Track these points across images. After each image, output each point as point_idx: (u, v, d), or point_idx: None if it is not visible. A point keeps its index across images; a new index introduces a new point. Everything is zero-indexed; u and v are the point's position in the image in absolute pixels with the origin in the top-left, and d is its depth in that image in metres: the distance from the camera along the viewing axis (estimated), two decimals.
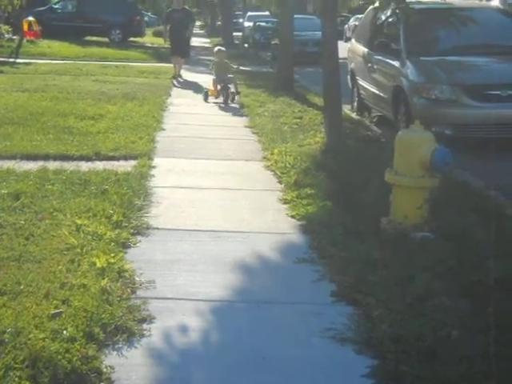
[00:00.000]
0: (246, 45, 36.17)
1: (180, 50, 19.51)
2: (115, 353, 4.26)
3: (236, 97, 15.14)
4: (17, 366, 3.86)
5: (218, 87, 15.15)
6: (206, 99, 15.11)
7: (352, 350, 4.42)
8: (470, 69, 11.09)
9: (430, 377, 3.99)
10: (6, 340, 4.10)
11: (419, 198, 6.34)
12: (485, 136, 10.32)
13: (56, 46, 27.46)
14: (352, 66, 14.60)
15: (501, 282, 5.22)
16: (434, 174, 6.36)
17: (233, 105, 14.87)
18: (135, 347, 4.36)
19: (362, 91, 13.74)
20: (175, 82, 18.67)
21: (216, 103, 14.82)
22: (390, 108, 11.80)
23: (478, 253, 5.81)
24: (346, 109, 13.48)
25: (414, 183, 6.32)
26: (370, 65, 13.00)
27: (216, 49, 16.75)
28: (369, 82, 13.07)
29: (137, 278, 5.31)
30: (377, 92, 12.51)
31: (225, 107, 14.56)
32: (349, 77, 14.68)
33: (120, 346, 4.34)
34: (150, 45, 33.85)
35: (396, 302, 4.91)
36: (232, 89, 15.23)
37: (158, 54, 26.56)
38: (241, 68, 21.61)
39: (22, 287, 4.89)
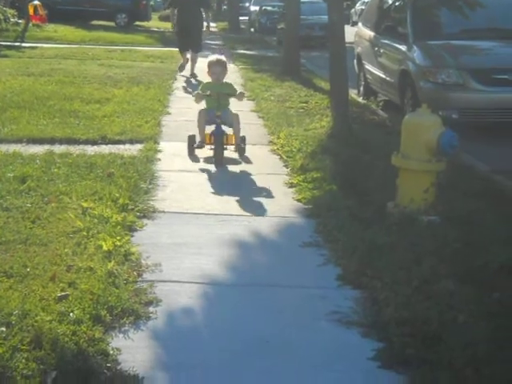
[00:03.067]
0: (252, 29, 36.11)
1: (191, 43, 15.92)
2: (121, 335, 4.27)
3: (241, 147, 8.79)
4: (23, 347, 3.86)
5: (207, 130, 8.65)
6: (190, 152, 8.76)
7: (358, 334, 4.42)
8: (477, 53, 11.07)
9: (436, 361, 3.98)
10: (13, 322, 4.11)
11: (426, 182, 6.33)
12: (492, 120, 10.30)
13: (62, 30, 27.46)
14: (358, 50, 14.57)
15: (507, 266, 5.21)
16: (440, 158, 6.35)
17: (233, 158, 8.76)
18: (141, 330, 4.36)
19: (368, 75, 13.70)
20: (182, 74, 16.23)
21: (205, 157, 8.61)
22: (396, 92, 11.77)
23: (484, 237, 5.80)
24: (353, 93, 13.45)
25: (421, 167, 6.31)
26: (376, 49, 12.96)
27: (211, 59, 8.96)
28: (375, 66, 13.03)
29: (143, 261, 5.31)
30: (383, 76, 12.47)
31: None
32: (355, 61, 14.64)
33: (126, 328, 4.35)
34: (155, 29, 33.83)
35: (402, 286, 4.90)
36: (234, 134, 8.70)
37: (163, 39, 26.52)
38: (247, 52, 21.54)
39: (28, 270, 4.90)
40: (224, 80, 9.00)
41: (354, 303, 4.79)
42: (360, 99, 13.71)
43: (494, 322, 4.41)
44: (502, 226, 6.08)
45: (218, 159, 8.29)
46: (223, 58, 9.16)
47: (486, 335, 4.22)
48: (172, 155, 8.69)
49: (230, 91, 8.83)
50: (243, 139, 8.87)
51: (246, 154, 8.81)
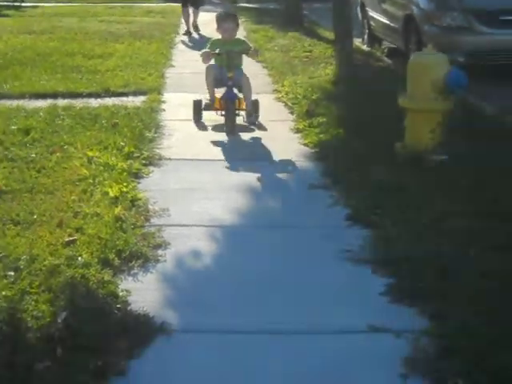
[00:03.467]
0: None
1: None
2: (131, 278, 4.24)
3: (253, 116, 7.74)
4: (32, 290, 3.84)
5: (217, 94, 7.67)
6: (196, 118, 7.85)
7: (368, 270, 4.38)
8: None
9: (446, 293, 3.95)
10: (21, 266, 4.09)
11: (433, 122, 6.24)
12: (498, 62, 10.16)
13: None
14: None
15: None
16: (447, 97, 6.25)
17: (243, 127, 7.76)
18: (150, 272, 4.34)
19: (372, 22, 13.52)
20: (187, 39, 15.02)
21: (214, 125, 7.70)
22: (400, 38, 11.61)
23: (493, 175, 5.75)
24: (357, 42, 13.27)
25: (428, 106, 6.23)
26: None
27: (220, 13, 8.13)
28: (379, 12, 12.85)
29: (150, 207, 5.27)
30: (387, 22, 12.30)
31: None
32: (358, 8, 14.42)
33: (135, 271, 4.32)
34: None
35: (412, 224, 4.86)
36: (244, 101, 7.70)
37: None
38: (248, 5, 21.29)
39: (35, 217, 4.87)
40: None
41: (364, 241, 4.74)
42: (364, 47, 13.55)
43: (504, 255, 4.36)
44: (508, 162, 6.01)
45: (230, 127, 7.37)
46: (233, 12, 8.38)
47: (498, 267, 4.18)
48: (177, 105, 8.61)
49: (242, 48, 7.80)
50: (256, 105, 7.79)
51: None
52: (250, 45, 8.16)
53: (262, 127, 7.71)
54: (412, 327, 3.69)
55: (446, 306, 3.81)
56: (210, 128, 7.57)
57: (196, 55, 9.13)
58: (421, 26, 10.62)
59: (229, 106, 7.40)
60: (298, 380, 3.31)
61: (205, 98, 7.79)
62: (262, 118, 7.87)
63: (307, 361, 3.46)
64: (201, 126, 7.65)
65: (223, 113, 7.51)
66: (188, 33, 15.39)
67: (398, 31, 11.69)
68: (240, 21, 8.13)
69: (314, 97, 8.62)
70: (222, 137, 7.33)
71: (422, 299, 3.95)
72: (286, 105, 8.53)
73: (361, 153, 6.34)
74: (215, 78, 7.60)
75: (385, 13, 12.47)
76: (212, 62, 7.76)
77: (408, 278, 4.16)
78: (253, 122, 7.66)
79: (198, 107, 7.82)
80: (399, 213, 5.03)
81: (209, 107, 7.68)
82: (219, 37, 7.89)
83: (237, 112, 7.51)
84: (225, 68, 7.53)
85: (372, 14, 13.41)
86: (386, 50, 12.65)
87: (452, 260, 4.31)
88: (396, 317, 3.83)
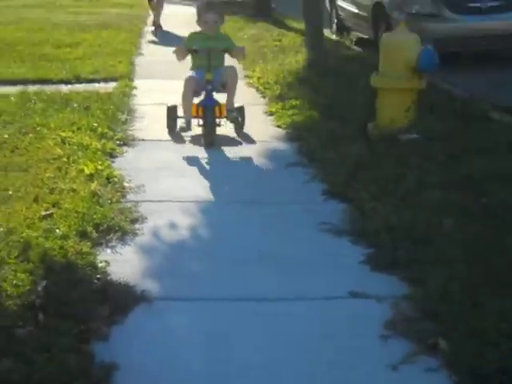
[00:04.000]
0: None
1: None
2: (109, 250, 4.22)
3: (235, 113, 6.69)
4: (11, 261, 3.80)
5: (195, 100, 6.62)
6: (171, 127, 6.79)
7: (348, 242, 4.41)
8: None
9: (425, 259, 3.98)
10: None
11: (406, 101, 6.29)
12: (466, 49, 10.26)
13: None
14: None
15: (490, 175, 5.22)
16: (420, 76, 6.30)
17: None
18: (129, 245, 4.32)
19: (340, 12, 13.56)
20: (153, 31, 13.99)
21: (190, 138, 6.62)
22: (370, 26, 11.67)
23: (465, 151, 5.80)
24: (326, 32, 13.31)
25: (401, 85, 6.27)
26: None
27: (201, 3, 7.02)
28: (348, 1, 12.90)
29: (126, 184, 5.26)
30: (356, 11, 12.36)
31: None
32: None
33: (113, 244, 4.30)
34: None
35: (389, 197, 4.89)
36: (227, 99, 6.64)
37: None
38: None
39: (10, 193, 4.84)
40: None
41: (342, 215, 4.77)
42: (333, 37, 13.58)
43: (480, 223, 4.41)
44: (480, 140, 6.08)
45: (209, 140, 6.28)
46: (216, 3, 7.20)
47: (473, 234, 4.23)
48: (147, 90, 8.58)
49: (225, 46, 6.65)
50: (241, 111, 6.81)
51: None
52: (233, 42, 7.01)
53: (247, 138, 6.67)
54: (392, 293, 3.72)
55: (425, 273, 3.84)
56: (187, 140, 6.50)
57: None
58: (390, 14, 10.68)
59: (208, 114, 6.30)
60: (281, 343, 3.31)
61: (179, 104, 6.72)
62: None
63: (290, 325, 3.47)
64: (176, 138, 6.57)
65: (201, 122, 6.43)
66: (157, 26, 14.13)
67: (367, 19, 11.75)
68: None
69: (285, 81, 8.62)
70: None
71: (401, 267, 3.99)
72: (258, 89, 8.54)
73: (334, 133, 6.37)
74: (194, 90, 6.53)
75: (353, 2, 12.52)
76: (188, 63, 6.76)
77: (387, 248, 4.18)
78: (234, 118, 6.58)
79: (172, 114, 6.74)
80: (375, 187, 5.05)
81: (185, 129, 6.47)
82: (197, 30, 6.78)
83: (217, 121, 6.42)
84: (203, 70, 6.44)
85: (340, 3, 13.45)
86: (354, 40, 12.69)
87: (429, 229, 4.34)
88: (376, 284, 3.87)
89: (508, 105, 7.46)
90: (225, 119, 6.52)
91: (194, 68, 6.66)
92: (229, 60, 6.94)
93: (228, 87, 6.53)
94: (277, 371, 3.09)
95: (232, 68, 6.70)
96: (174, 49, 6.69)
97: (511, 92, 8.26)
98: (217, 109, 6.40)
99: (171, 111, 6.76)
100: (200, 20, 6.66)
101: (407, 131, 6.22)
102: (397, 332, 3.38)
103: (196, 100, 6.54)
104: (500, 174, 5.21)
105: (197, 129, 6.48)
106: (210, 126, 6.30)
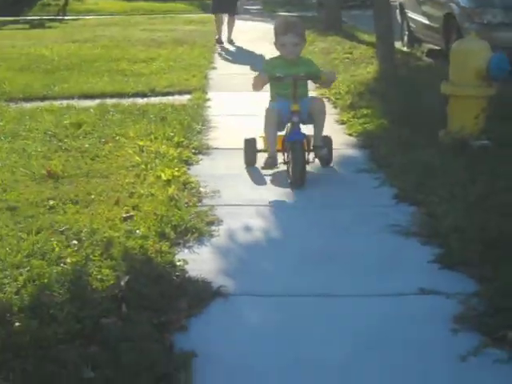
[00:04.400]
0: None
1: (226, 4, 14.69)
2: (186, 250, 4.39)
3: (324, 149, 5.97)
4: (95, 258, 4.01)
5: (279, 133, 5.92)
6: (249, 162, 6.15)
7: (417, 242, 4.49)
8: None
9: (494, 260, 4.04)
10: (83, 238, 4.27)
11: (476, 108, 6.34)
12: None
13: (102, 2, 27.64)
14: None
15: None
16: (490, 83, 6.35)
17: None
18: (205, 245, 4.49)
19: (411, 24, 13.62)
20: (219, 49, 14.47)
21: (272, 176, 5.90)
22: (441, 37, 11.70)
23: None
24: (397, 44, 13.38)
25: (471, 92, 6.32)
26: None
27: (279, 22, 6.13)
28: (419, 13, 12.96)
29: (202, 189, 5.44)
30: (427, 22, 12.40)
31: None
32: (398, 11, 14.54)
33: (191, 244, 4.47)
34: None
35: (459, 201, 4.96)
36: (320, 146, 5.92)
37: (203, 5, 26.47)
38: (287, 14, 21.48)
39: (92, 197, 5.06)
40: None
41: (412, 217, 4.86)
42: (404, 48, 13.65)
43: None
44: None
45: (298, 178, 5.51)
46: (297, 21, 6.16)
47: None
48: (220, 102, 8.79)
49: (311, 72, 5.90)
50: (329, 142, 6.07)
51: None
52: (318, 66, 6.24)
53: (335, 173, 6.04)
54: (461, 290, 3.80)
55: (495, 271, 3.91)
56: (268, 179, 5.80)
57: (238, 58, 9.24)
58: (461, 24, 10.70)
59: (296, 149, 5.52)
60: (354, 337, 3.42)
61: (258, 137, 6.15)
62: None
63: (362, 320, 3.57)
64: (255, 176, 5.88)
65: (286, 158, 5.75)
66: (219, 41, 14.85)
67: (438, 31, 11.78)
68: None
69: (357, 92, 8.74)
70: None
71: (470, 266, 4.06)
72: (330, 99, 8.66)
73: (404, 140, 6.45)
74: (278, 123, 5.82)
75: (424, 13, 12.57)
76: (269, 97, 6.04)
77: (457, 248, 4.26)
78: (324, 155, 5.89)
79: (250, 148, 6.09)
80: (445, 191, 5.12)
81: (270, 166, 5.77)
82: (276, 54, 6.05)
83: (307, 158, 5.72)
84: (287, 101, 5.73)
85: (411, 15, 13.51)
86: (425, 51, 12.73)
87: (499, 231, 4.40)
88: (446, 281, 3.95)
89: None
90: (312, 155, 5.87)
91: (274, 98, 5.94)
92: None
93: (316, 122, 5.85)
94: (347, 366, 3.19)
95: (320, 101, 6.07)
96: (254, 76, 5.90)
97: None
98: (305, 142, 5.70)
99: (250, 145, 6.10)
100: (277, 42, 5.88)
101: (478, 137, 6.27)
102: (466, 326, 3.46)
103: (278, 132, 5.90)
104: None
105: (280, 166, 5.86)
106: (300, 163, 5.51)
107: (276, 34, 5.89)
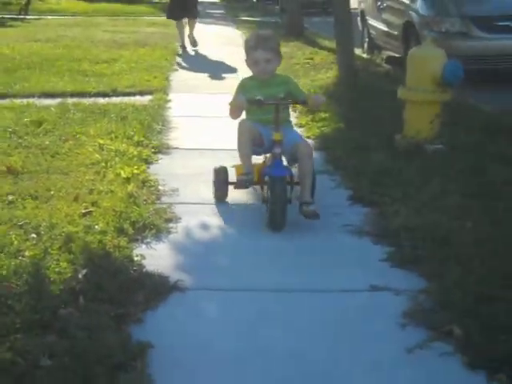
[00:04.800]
0: None
1: (185, 8, 14.23)
2: (144, 246, 4.47)
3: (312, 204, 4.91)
4: (53, 252, 4.07)
5: (259, 158, 5.24)
6: (220, 196, 5.34)
7: (369, 241, 4.63)
8: (479, 0, 11.17)
9: (443, 258, 4.18)
10: (42, 232, 4.33)
11: (431, 113, 6.50)
12: (495, 67, 10.46)
13: (64, 2, 27.54)
14: (362, 6, 14.68)
15: (510, 181, 5.42)
16: (445, 89, 6.51)
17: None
18: (163, 241, 4.57)
19: (372, 31, 13.83)
20: (181, 51, 14.29)
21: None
22: (400, 44, 11.89)
23: (488, 161, 6.00)
24: (357, 51, 13.57)
25: (426, 98, 6.47)
26: (379, 3, 13.08)
27: (250, 36, 5.37)
28: (379, 20, 13.16)
29: (161, 187, 5.52)
30: (387, 30, 12.61)
31: None
32: (359, 18, 14.73)
33: (149, 240, 4.55)
34: (157, 0, 33.79)
35: (411, 201, 5.10)
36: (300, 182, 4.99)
37: (166, 8, 26.55)
38: (249, 19, 21.61)
39: (52, 193, 5.12)
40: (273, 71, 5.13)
41: (365, 217, 5.00)
42: (364, 55, 13.84)
43: (499, 226, 4.61)
44: (504, 151, 6.27)
45: (277, 225, 4.73)
46: (270, 34, 5.24)
47: (490, 237, 4.42)
48: (181, 104, 8.87)
49: (290, 90, 5.06)
50: (313, 182, 5.09)
51: None
52: (298, 85, 5.42)
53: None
54: (411, 287, 3.93)
55: (443, 269, 4.05)
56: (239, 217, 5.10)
57: (200, 60, 9.32)
58: (420, 32, 10.90)
59: (277, 188, 4.67)
60: (308, 329, 3.54)
61: (230, 165, 5.37)
62: None
63: (315, 314, 3.70)
64: (225, 214, 5.13)
65: (265, 194, 4.89)
66: (183, 47, 14.52)
67: (397, 38, 11.98)
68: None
69: None
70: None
71: (420, 264, 4.19)
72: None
73: (361, 143, 6.59)
74: (254, 141, 5.02)
75: (384, 21, 12.77)
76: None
77: (407, 247, 4.39)
78: (312, 213, 4.79)
79: (221, 178, 5.28)
80: (398, 192, 5.26)
81: (245, 184, 5.00)
82: (251, 74, 5.22)
83: (289, 197, 4.80)
84: (268, 126, 4.93)
85: (372, 22, 13.72)
86: (384, 58, 12.94)
87: (449, 231, 4.54)
88: (396, 279, 4.08)
89: None
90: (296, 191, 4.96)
91: (253, 117, 5.10)
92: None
93: (303, 172, 4.91)
94: (300, 356, 3.30)
95: (306, 144, 5.15)
96: (230, 101, 5.06)
97: None
98: (287, 178, 4.82)
99: (219, 174, 5.29)
100: (248, 60, 5.11)
101: (432, 142, 6.42)
102: (414, 321, 3.58)
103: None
104: None
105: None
106: (280, 206, 4.69)
107: (247, 51, 5.11)
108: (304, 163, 4.92)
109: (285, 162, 4.97)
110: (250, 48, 5.07)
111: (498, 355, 3.16)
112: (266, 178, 4.86)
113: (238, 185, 5.03)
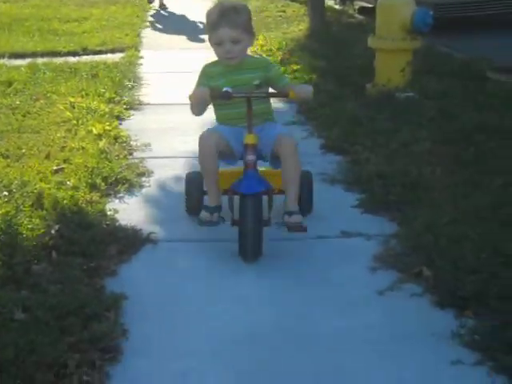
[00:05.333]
0: None
1: None
2: (117, 200, 4.49)
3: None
4: (26, 208, 4.07)
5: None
6: (194, 207, 4.14)
7: (341, 189, 4.67)
8: None
9: (414, 203, 4.23)
10: (14, 190, 4.32)
11: (402, 61, 6.51)
12: (467, 14, 10.44)
13: None
14: None
15: (479, 127, 5.46)
16: (415, 37, 6.51)
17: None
18: (136, 196, 4.59)
19: None
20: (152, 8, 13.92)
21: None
22: None
23: (459, 108, 6.03)
24: (329, 2, 13.50)
25: (397, 46, 6.48)
26: None
27: (212, 9, 3.85)
28: None
29: (133, 143, 5.53)
30: None
31: None
32: None
33: (121, 195, 4.57)
34: None
35: (382, 148, 5.14)
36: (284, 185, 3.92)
37: None
38: None
39: (23, 151, 5.12)
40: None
41: (337, 166, 5.02)
42: (337, 7, 13.75)
43: (469, 169, 4.66)
44: (475, 98, 6.30)
45: (249, 255, 3.71)
46: (237, 6, 3.84)
47: (460, 180, 4.48)
48: (153, 60, 8.85)
49: (270, 80, 3.95)
50: (309, 181, 4.25)
51: None
52: (279, 69, 4.36)
53: None
54: (382, 232, 3.98)
55: (413, 214, 4.09)
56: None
57: (171, 16, 9.26)
58: None
59: (248, 208, 3.65)
60: (277, 278, 3.58)
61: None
62: None
63: (285, 260, 3.74)
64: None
65: (234, 216, 3.78)
66: (150, 1, 14.11)
67: None
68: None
69: (288, 48, 8.85)
70: None
71: (391, 210, 4.24)
72: (261, 56, 8.73)
73: (333, 93, 6.60)
74: (221, 155, 3.95)
75: None
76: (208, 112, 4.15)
77: (378, 193, 4.43)
78: (296, 225, 3.82)
79: (193, 187, 4.21)
80: (369, 140, 5.30)
81: (211, 222, 3.88)
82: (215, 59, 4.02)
83: (266, 217, 3.80)
84: (241, 126, 3.88)
85: None
86: (357, 8, 12.88)
87: (419, 176, 4.58)
88: (367, 224, 4.12)
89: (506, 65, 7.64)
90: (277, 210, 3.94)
91: (219, 121, 4.12)
92: None
93: (287, 174, 3.88)
94: (272, 301, 3.37)
95: (288, 137, 3.94)
96: (189, 93, 3.93)
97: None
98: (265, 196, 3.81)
99: (192, 182, 4.22)
100: (211, 40, 3.91)
101: (404, 90, 6.44)
102: (385, 264, 3.64)
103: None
104: (491, 126, 5.46)
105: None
106: (252, 231, 3.68)
107: (208, 29, 3.91)
108: (287, 165, 3.84)
109: (266, 164, 4.11)
110: (212, 25, 3.84)
111: (466, 294, 3.22)
112: (240, 197, 3.70)
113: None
